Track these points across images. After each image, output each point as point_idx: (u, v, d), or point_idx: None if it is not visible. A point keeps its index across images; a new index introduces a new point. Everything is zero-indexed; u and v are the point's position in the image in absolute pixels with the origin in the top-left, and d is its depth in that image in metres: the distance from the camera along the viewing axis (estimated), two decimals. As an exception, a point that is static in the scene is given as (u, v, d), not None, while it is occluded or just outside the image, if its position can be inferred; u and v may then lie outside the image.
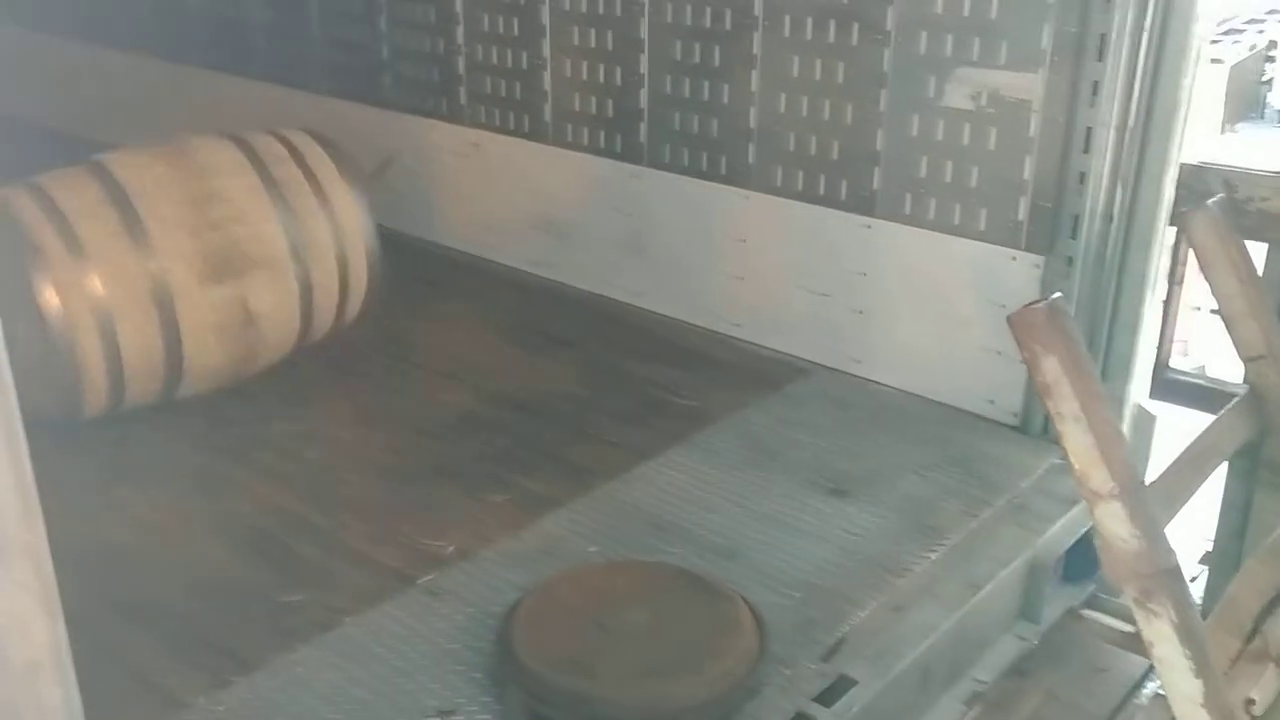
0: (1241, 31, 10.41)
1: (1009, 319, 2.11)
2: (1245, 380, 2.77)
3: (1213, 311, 4.84)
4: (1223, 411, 2.79)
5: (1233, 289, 2.79)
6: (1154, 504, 2.19)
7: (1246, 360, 2.73)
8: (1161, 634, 2.05)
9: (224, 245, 3.74)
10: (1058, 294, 2.13)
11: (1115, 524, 2.06)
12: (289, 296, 3.89)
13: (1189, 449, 2.62)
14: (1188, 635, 2.05)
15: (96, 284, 3.50)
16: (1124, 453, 2.10)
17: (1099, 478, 2.06)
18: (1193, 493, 2.56)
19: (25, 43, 7.01)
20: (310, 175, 4.02)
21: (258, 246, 3.81)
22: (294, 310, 3.92)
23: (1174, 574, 2.10)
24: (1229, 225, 2.76)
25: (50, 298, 3.43)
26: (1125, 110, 3.41)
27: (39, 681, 1.17)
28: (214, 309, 3.70)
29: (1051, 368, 2.06)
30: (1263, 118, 10.76)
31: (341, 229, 4.03)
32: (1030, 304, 2.09)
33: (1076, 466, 2.09)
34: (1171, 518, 2.54)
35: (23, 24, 7.01)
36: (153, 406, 3.75)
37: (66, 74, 6.67)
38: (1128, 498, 2.05)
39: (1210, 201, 2.73)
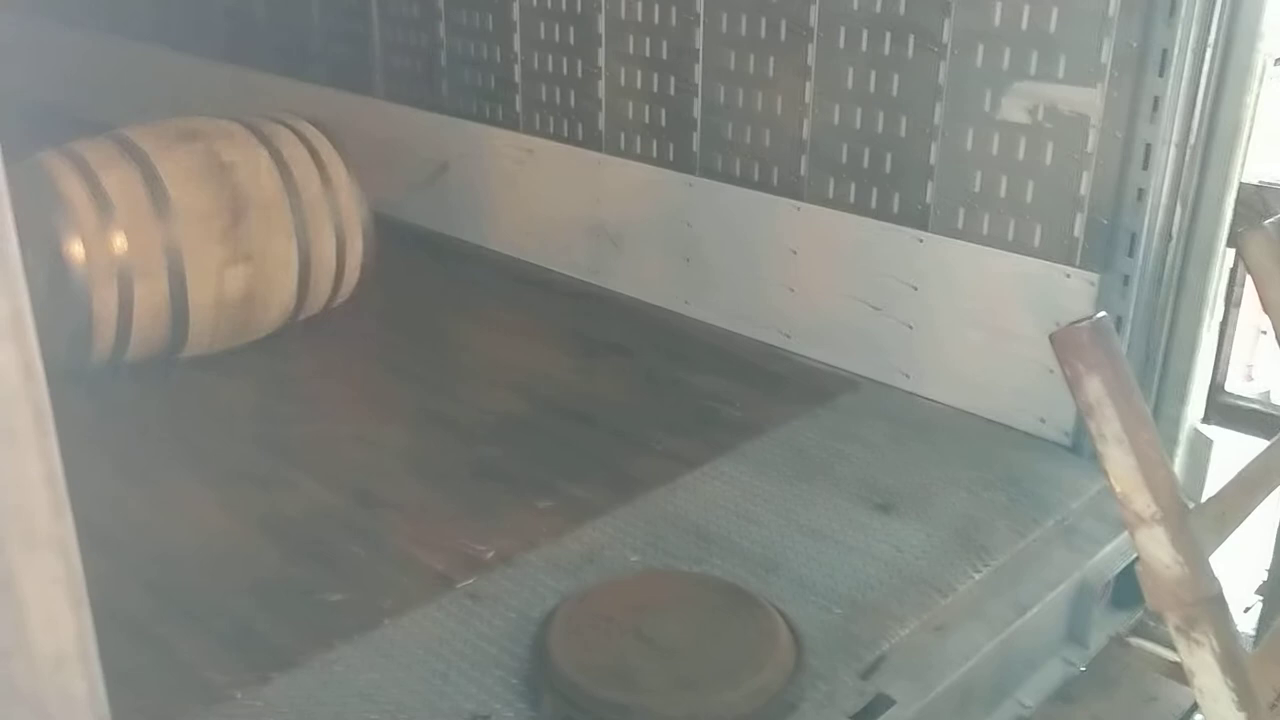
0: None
1: (1051, 337, 2.06)
2: None
3: (1262, 332, 4.74)
4: (1277, 438, 2.72)
5: None
6: (1200, 530, 2.12)
7: None
8: (1203, 664, 2.00)
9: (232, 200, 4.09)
10: (1102, 313, 2.08)
11: (1157, 549, 2.01)
12: (288, 255, 4.17)
13: (1241, 474, 2.55)
14: (1231, 665, 1.99)
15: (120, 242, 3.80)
16: (1168, 476, 2.05)
17: (1141, 501, 2.01)
18: (1244, 519, 2.47)
19: (50, 34, 7.19)
20: (315, 155, 4.39)
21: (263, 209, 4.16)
22: (292, 271, 4.17)
23: (1217, 602, 2.04)
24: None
25: (75, 250, 3.74)
26: (1186, 127, 3.34)
27: (65, 673, 1.18)
28: (219, 261, 4.00)
29: (1095, 388, 2.01)
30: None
31: (339, 208, 4.37)
32: (1074, 322, 2.04)
33: (1118, 489, 2.03)
34: (1220, 544, 2.46)
35: (50, 16, 7.21)
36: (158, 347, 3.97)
37: (109, 69, 6.84)
38: (1170, 523, 2.00)
39: (1268, 222, 2.66)
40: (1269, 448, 2.67)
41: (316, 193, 4.27)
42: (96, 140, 4.05)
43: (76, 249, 3.74)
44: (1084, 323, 2.02)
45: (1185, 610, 2.00)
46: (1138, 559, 2.05)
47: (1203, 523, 2.16)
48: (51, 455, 1.11)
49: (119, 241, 3.80)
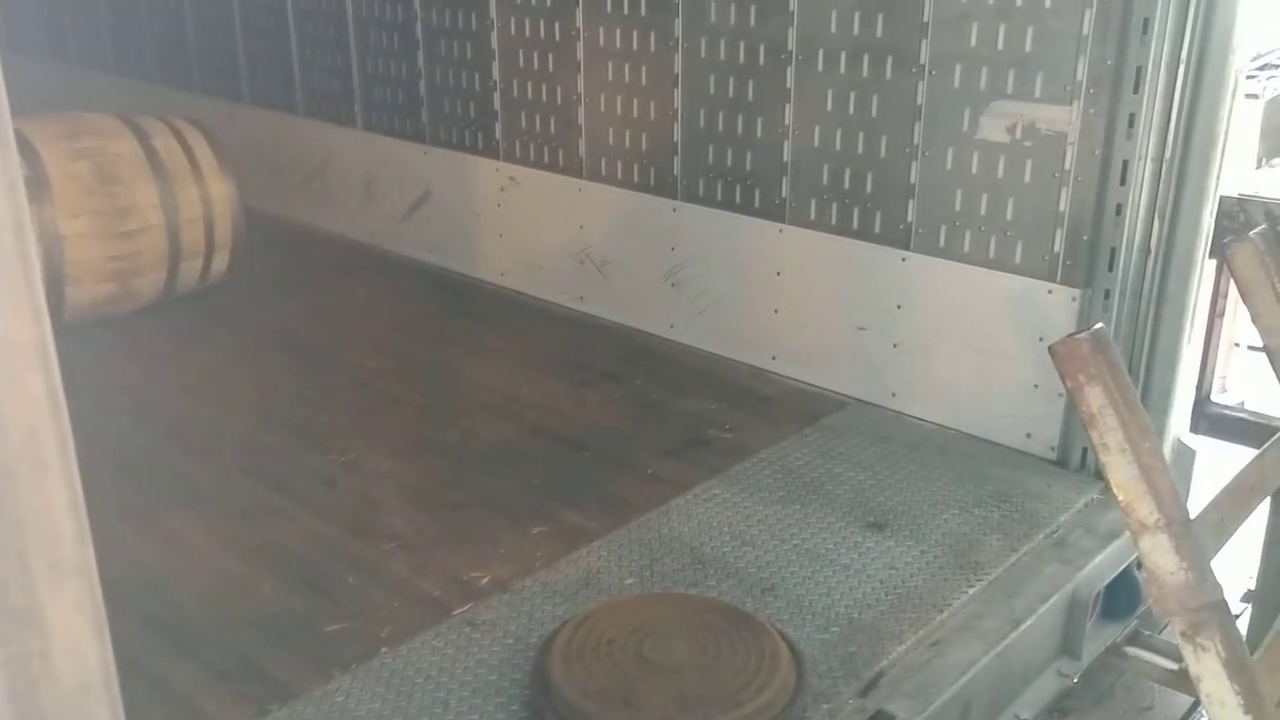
0: (1277, 67, 10.35)
1: (1051, 349, 2.09)
2: None
3: (1251, 347, 4.81)
4: (1266, 446, 2.76)
5: (1277, 321, 2.77)
6: (1202, 537, 2.16)
7: None
8: (1210, 669, 2.02)
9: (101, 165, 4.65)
10: (1100, 324, 2.11)
11: (1162, 556, 2.04)
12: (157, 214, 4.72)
13: (1231, 484, 2.59)
14: (1237, 670, 2.02)
15: None
16: (1170, 484, 2.08)
17: (1145, 509, 2.04)
18: (1236, 528, 2.52)
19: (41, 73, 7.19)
20: (184, 144, 4.91)
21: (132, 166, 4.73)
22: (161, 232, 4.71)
23: (1221, 607, 2.07)
24: (1273, 256, 2.74)
25: None
26: (1162, 142, 3.40)
27: (88, 702, 1.19)
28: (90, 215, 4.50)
29: (1096, 397, 2.04)
30: (1301, 152, 10.67)
31: (206, 184, 4.92)
32: (1073, 334, 2.07)
33: (1121, 498, 2.06)
34: (1219, 550, 2.51)
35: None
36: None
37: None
38: (1174, 530, 2.03)
39: (1254, 232, 2.71)
40: (1255, 459, 2.72)
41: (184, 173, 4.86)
42: None
43: None
44: (1083, 334, 2.05)
45: (1190, 616, 2.03)
46: (1141, 566, 2.07)
47: (1203, 530, 2.20)
48: (74, 483, 1.12)
49: None
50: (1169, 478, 2.10)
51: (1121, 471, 2.04)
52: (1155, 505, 2.03)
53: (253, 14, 6.31)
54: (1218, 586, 2.08)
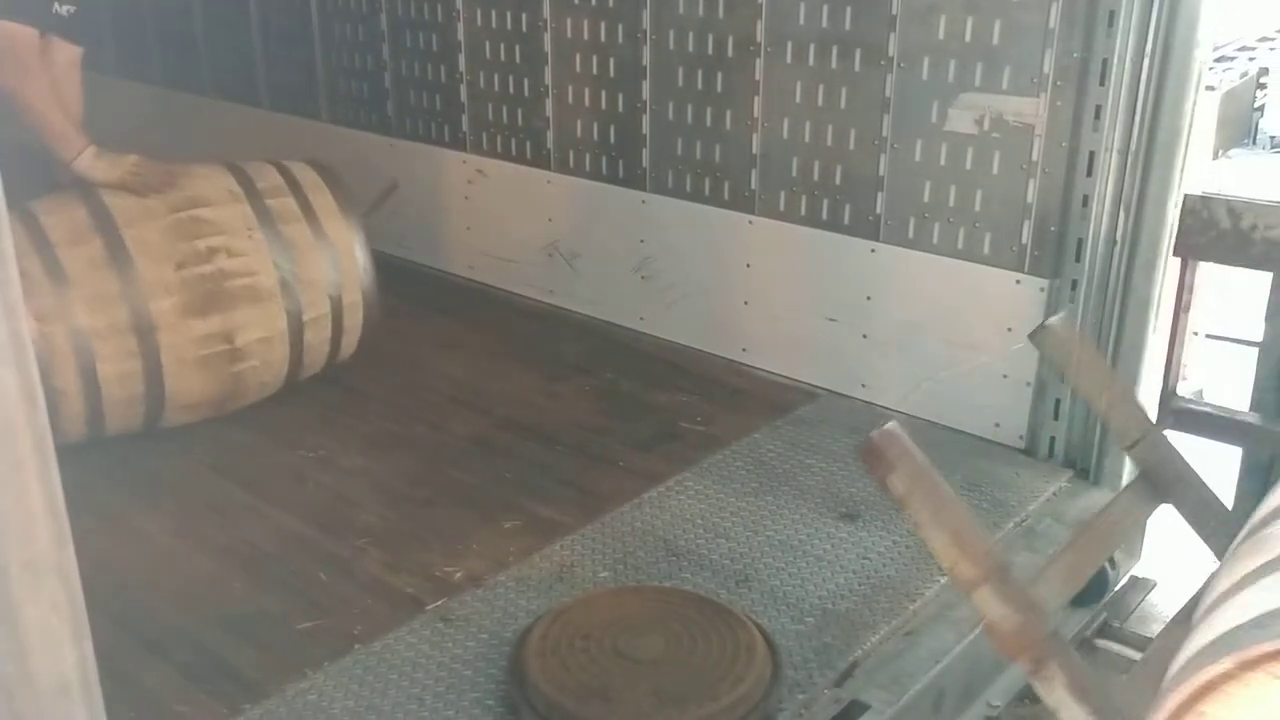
0: (1233, 59, 10.49)
1: (860, 452, 2.23)
2: (1133, 463, 2.90)
3: (1209, 336, 4.88)
4: (1119, 494, 2.97)
5: (1100, 385, 2.94)
6: (1043, 584, 2.39)
7: (1128, 448, 2.86)
8: (1062, 699, 2.10)
9: (211, 277, 3.68)
10: (891, 422, 2.25)
11: (992, 605, 2.15)
12: (277, 332, 3.83)
13: (1086, 528, 2.82)
14: (1084, 692, 2.09)
15: (77, 312, 3.46)
16: (982, 541, 2.20)
17: (965, 568, 2.16)
18: (1090, 571, 2.75)
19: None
20: (306, 207, 3.98)
21: (246, 280, 3.75)
22: (283, 346, 3.87)
23: (1056, 639, 2.17)
24: (1075, 334, 2.96)
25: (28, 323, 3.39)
26: (1128, 135, 3.43)
27: (67, 702, 1.17)
28: (196, 343, 3.64)
29: (900, 483, 2.17)
30: (1255, 143, 10.82)
31: (337, 263, 4.01)
32: (872, 431, 2.20)
33: (945, 564, 2.20)
34: (1070, 595, 2.70)
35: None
36: (136, 435, 3.74)
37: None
38: (994, 579, 2.15)
39: (1051, 320, 2.88)
40: (1109, 505, 2.88)
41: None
42: (59, 196, 3.64)
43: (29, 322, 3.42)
44: (878, 431, 2.20)
45: (1030, 653, 2.13)
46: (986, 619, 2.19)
47: (1055, 575, 2.50)
48: (53, 482, 1.10)
49: (76, 310, 3.49)
50: (980, 535, 2.22)
51: (937, 540, 2.17)
52: (972, 563, 2.15)
53: (214, 5, 6.24)
54: (1050, 620, 2.22)
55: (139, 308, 3.54)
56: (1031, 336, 2.90)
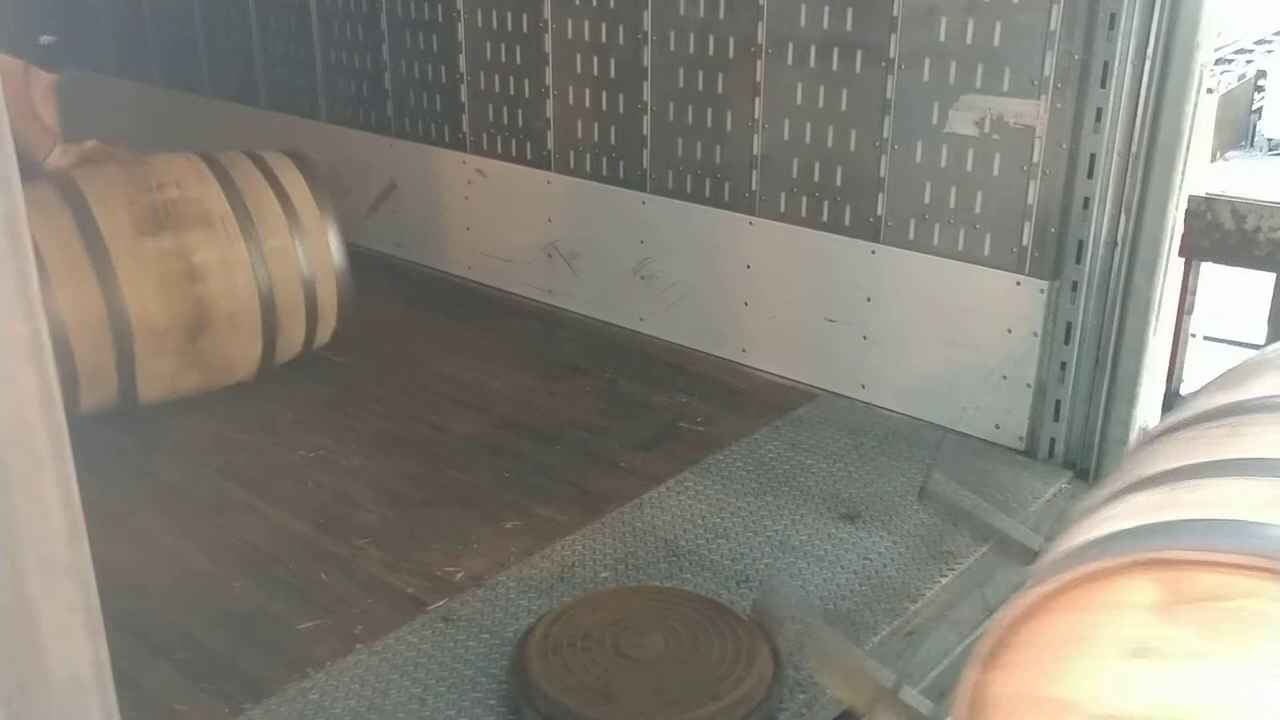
0: (1231, 61, 10.51)
1: (750, 613, 2.52)
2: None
3: (1206, 338, 4.89)
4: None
5: (990, 524, 2.91)
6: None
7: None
8: None
9: (160, 204, 3.84)
10: (775, 580, 2.63)
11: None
12: (237, 258, 3.90)
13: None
14: None
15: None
16: (868, 677, 2.36)
17: (858, 698, 2.36)
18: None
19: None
20: (264, 169, 4.14)
21: (195, 207, 3.89)
22: (246, 275, 3.90)
23: None
24: (955, 488, 2.95)
25: None
26: (1129, 137, 3.44)
27: (82, 701, 1.17)
28: (152, 260, 3.76)
29: (789, 638, 2.52)
30: (1252, 146, 10.85)
31: (292, 207, 4.09)
32: (757, 596, 2.56)
33: (842, 698, 2.43)
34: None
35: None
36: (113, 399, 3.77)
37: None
38: (884, 702, 2.28)
39: (928, 483, 2.89)
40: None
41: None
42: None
43: None
44: (759, 595, 2.58)
45: None
46: None
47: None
48: (68, 481, 1.10)
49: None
50: (865, 671, 2.37)
51: (830, 681, 2.46)
52: (862, 694, 2.32)
53: (213, 6, 6.23)
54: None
55: (91, 231, 3.67)
56: (919, 499, 2.95)
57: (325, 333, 4.24)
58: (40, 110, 4.24)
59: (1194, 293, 3.13)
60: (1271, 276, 3.15)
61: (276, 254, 3.98)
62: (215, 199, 3.92)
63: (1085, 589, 1.50)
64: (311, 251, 4.09)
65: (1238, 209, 2.98)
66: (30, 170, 3.96)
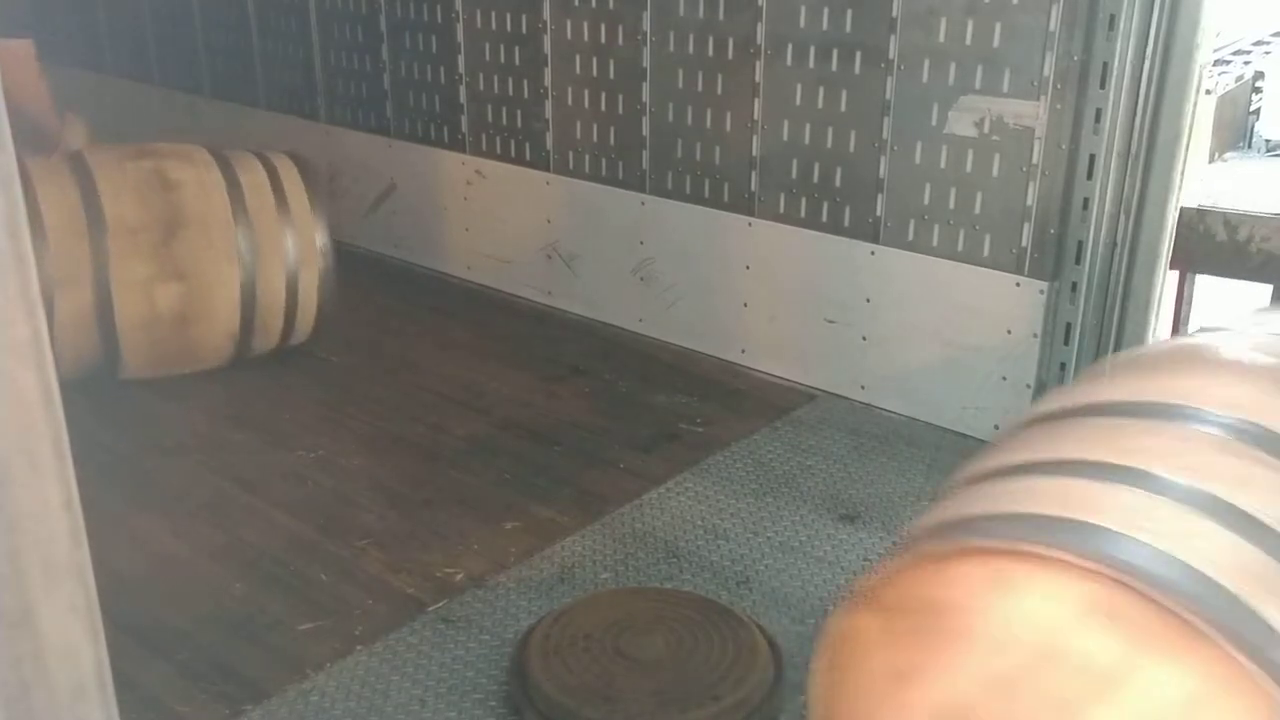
0: (1229, 63, 10.53)
1: None
2: None
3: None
4: None
5: None
6: None
7: None
8: None
9: (143, 149, 4.19)
10: None
11: None
12: (211, 179, 4.13)
13: None
14: None
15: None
16: None
17: None
18: None
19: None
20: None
21: (173, 145, 4.27)
22: (220, 193, 4.10)
23: None
24: None
25: None
26: (1128, 138, 3.44)
27: (84, 704, 1.16)
28: (128, 171, 4.03)
29: None
30: (1250, 147, 10.86)
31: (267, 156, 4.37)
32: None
33: None
34: None
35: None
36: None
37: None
38: None
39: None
40: None
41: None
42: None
43: None
44: None
45: None
46: None
47: None
48: (69, 482, 1.10)
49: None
50: None
51: None
52: None
53: (212, 6, 6.23)
54: None
55: (80, 166, 3.98)
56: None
57: (309, 290, 4.31)
58: (28, 85, 4.41)
59: (1190, 303, 3.12)
60: (1268, 288, 3.14)
61: (254, 189, 4.21)
62: (202, 157, 4.20)
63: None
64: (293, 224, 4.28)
65: (1230, 220, 2.97)
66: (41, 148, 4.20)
